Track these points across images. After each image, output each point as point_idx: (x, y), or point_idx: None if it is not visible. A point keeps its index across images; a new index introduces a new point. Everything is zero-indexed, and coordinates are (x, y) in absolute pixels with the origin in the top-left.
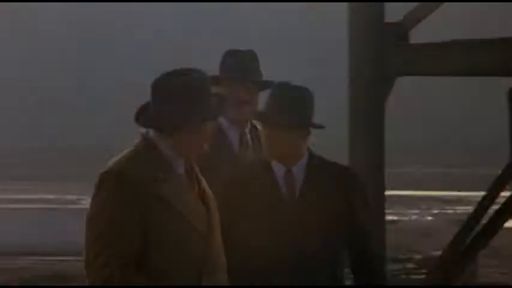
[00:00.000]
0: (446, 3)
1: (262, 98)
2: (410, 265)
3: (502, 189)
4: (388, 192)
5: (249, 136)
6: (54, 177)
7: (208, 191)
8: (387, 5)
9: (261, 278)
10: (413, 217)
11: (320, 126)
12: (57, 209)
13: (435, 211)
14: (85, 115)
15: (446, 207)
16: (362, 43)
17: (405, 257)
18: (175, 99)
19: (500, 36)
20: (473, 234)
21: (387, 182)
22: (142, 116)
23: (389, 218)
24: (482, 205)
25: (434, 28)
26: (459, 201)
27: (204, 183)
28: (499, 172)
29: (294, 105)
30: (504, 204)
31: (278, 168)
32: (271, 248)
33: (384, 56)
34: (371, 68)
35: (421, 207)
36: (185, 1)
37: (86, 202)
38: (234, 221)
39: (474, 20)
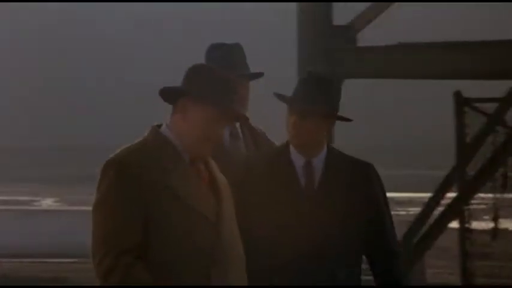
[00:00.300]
0: (394, 6)
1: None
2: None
3: (448, 190)
4: None
5: (239, 130)
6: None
7: (220, 178)
8: (336, 7)
9: (280, 274)
10: None
11: (348, 119)
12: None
13: None
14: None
15: (398, 209)
16: (311, 44)
17: None
18: (190, 77)
19: (451, 38)
20: (419, 235)
21: None
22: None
23: None
24: (429, 206)
25: (384, 31)
26: (411, 202)
27: (216, 170)
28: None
29: (328, 96)
30: (449, 205)
31: (297, 159)
32: (288, 241)
33: (332, 58)
34: (319, 70)
35: None
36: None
37: (39, 203)
38: (250, 213)
39: (425, 22)
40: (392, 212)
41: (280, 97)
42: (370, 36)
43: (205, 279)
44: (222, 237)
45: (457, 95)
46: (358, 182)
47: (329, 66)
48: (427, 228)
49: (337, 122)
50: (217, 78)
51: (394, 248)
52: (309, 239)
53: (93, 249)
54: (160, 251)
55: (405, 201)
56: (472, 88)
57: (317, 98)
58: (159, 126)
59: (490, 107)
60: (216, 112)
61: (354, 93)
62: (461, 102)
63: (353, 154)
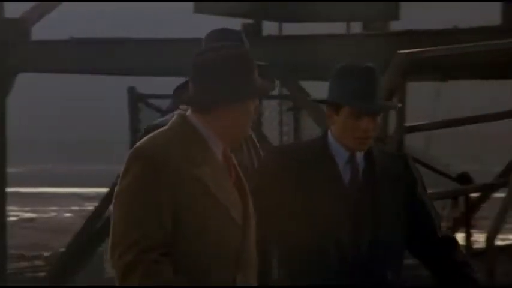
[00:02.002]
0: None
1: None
2: (38, 262)
3: None
4: (24, 189)
5: None
6: None
7: (243, 178)
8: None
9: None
10: (52, 214)
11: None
12: None
13: (74, 208)
14: None
15: (86, 204)
16: None
17: (35, 254)
18: (214, 75)
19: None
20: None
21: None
22: (181, 94)
23: (26, 215)
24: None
25: (60, 25)
26: (99, 197)
27: (239, 169)
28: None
29: (377, 87)
30: None
31: (339, 154)
32: (335, 247)
33: (5, 51)
34: None
35: (61, 204)
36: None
37: None
38: (280, 219)
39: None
40: (79, 208)
41: (344, 102)
42: (46, 30)
43: (230, 282)
44: (248, 242)
45: (131, 90)
46: (401, 174)
47: (1, 58)
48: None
49: None
50: (220, 68)
51: (448, 234)
52: (357, 242)
53: (113, 241)
54: (187, 249)
55: (93, 197)
56: (147, 85)
57: (377, 92)
58: (182, 113)
59: (163, 103)
60: (238, 105)
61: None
62: (135, 97)
63: None
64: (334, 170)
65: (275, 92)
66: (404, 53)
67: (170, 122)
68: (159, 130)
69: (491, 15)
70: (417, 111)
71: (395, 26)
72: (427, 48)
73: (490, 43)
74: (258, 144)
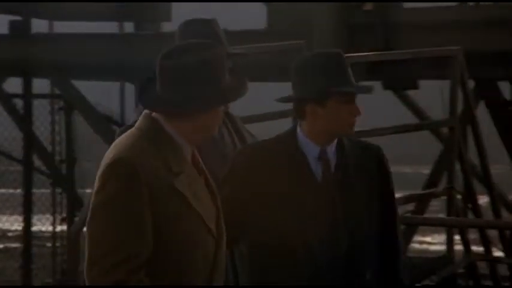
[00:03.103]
0: None
1: None
2: None
3: None
4: None
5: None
6: None
7: (212, 183)
8: None
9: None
10: None
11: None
12: None
13: None
14: None
15: None
16: None
17: None
18: (185, 81)
19: None
20: None
21: None
22: (145, 95)
23: None
24: None
25: None
26: None
27: (207, 173)
28: None
29: (350, 73)
30: None
31: (310, 149)
32: (308, 245)
33: None
34: None
35: None
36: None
37: None
38: (249, 216)
39: None
40: None
41: (341, 89)
42: None
43: None
44: (221, 252)
45: None
46: (371, 164)
47: None
48: None
49: None
50: (192, 73)
51: (398, 243)
52: (331, 240)
53: (93, 257)
54: (165, 260)
55: None
56: None
57: (351, 75)
58: (151, 116)
59: None
60: (211, 111)
61: None
62: None
63: None
64: (305, 166)
65: (47, 91)
66: None
67: (139, 123)
68: (131, 135)
69: (257, 18)
70: None
71: (168, 27)
72: None
73: (255, 46)
74: (240, 127)
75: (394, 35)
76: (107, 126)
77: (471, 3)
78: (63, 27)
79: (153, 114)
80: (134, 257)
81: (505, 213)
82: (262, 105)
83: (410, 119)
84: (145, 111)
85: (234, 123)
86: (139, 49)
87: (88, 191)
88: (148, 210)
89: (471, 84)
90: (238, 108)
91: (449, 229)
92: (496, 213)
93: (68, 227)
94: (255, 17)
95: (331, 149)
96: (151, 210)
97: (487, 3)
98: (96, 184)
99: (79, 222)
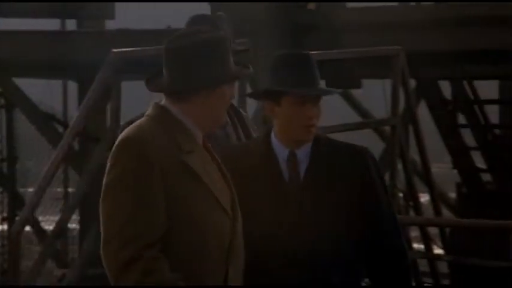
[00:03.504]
0: None
1: None
2: None
3: None
4: None
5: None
6: None
7: (224, 168)
8: None
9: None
10: None
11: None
12: None
13: None
14: None
15: None
16: None
17: None
18: (190, 62)
19: None
20: None
21: None
22: (152, 82)
23: None
24: None
25: None
26: None
27: (219, 159)
28: None
29: (316, 73)
30: None
31: (281, 151)
32: (272, 248)
33: None
34: None
35: None
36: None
37: None
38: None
39: None
40: None
41: (288, 90)
42: None
43: (222, 274)
44: (237, 232)
45: None
46: (352, 171)
47: None
48: None
49: None
50: (194, 53)
51: (393, 244)
52: (295, 243)
53: (107, 236)
54: (178, 240)
55: None
56: None
57: (317, 77)
58: (160, 104)
59: None
60: (215, 90)
61: None
62: None
63: None
64: (275, 169)
65: None
66: (118, 51)
67: (148, 112)
68: (140, 120)
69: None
70: (132, 109)
71: (110, 25)
72: (141, 48)
73: None
74: (248, 125)
75: (338, 34)
76: (49, 124)
77: (412, 4)
78: (4, 24)
79: (162, 102)
80: (147, 233)
81: (445, 211)
82: None
83: (353, 118)
84: (154, 102)
85: (241, 120)
86: (82, 47)
87: (30, 190)
88: (160, 189)
89: (412, 83)
90: None
91: None
92: (437, 211)
93: (9, 227)
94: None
95: (304, 151)
96: (164, 188)
97: (428, 3)
98: (107, 165)
99: (20, 222)
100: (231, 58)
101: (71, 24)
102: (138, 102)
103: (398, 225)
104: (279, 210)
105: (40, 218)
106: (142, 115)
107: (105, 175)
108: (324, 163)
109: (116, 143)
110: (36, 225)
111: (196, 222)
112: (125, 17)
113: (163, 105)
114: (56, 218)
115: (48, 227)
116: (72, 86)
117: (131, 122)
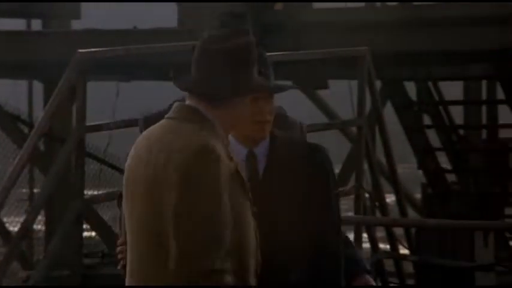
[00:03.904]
0: None
1: None
2: None
3: None
4: None
5: None
6: None
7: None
8: None
9: None
10: None
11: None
12: None
13: None
14: None
15: None
16: None
17: None
18: (228, 66)
19: None
20: None
21: None
22: (181, 80)
23: None
24: None
25: None
26: None
27: None
28: None
29: (270, 69)
30: None
31: (238, 151)
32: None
33: None
34: None
35: None
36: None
37: None
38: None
39: None
40: None
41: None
42: None
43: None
44: (258, 237)
45: None
46: (308, 169)
47: None
48: None
49: None
50: (238, 57)
51: (333, 246)
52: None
53: (198, 247)
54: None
55: None
56: None
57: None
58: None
59: None
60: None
61: None
62: None
63: None
64: (236, 169)
65: None
66: (84, 52)
67: (179, 113)
68: (179, 125)
69: (168, 17)
70: (98, 110)
71: (76, 25)
72: (106, 48)
73: (166, 45)
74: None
75: (304, 35)
76: (14, 125)
77: (378, 5)
78: None
79: (188, 103)
80: (225, 245)
81: (410, 212)
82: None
83: (320, 118)
84: (178, 102)
85: None
86: (47, 47)
87: None
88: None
89: (378, 84)
90: (162, 107)
91: (357, 227)
92: (402, 211)
93: None
94: (166, 15)
95: (262, 150)
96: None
97: (393, 3)
98: (177, 173)
99: None
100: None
101: (37, 24)
102: (104, 103)
103: (339, 228)
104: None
105: (5, 219)
106: (160, 113)
107: (177, 185)
108: (281, 161)
109: (188, 152)
110: (1, 226)
111: (243, 225)
112: (91, 17)
113: (195, 107)
114: (21, 219)
115: (13, 228)
116: (38, 87)
117: (149, 118)
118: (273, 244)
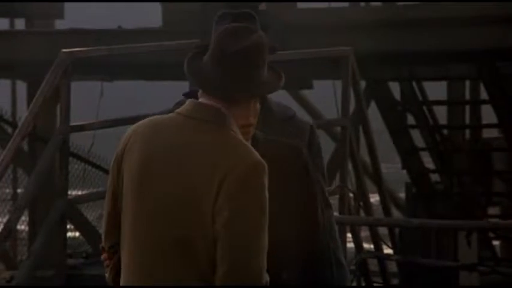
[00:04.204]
0: None
1: None
2: None
3: None
4: None
5: None
6: None
7: None
8: None
9: None
10: None
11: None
12: None
13: None
14: None
15: None
16: None
17: None
18: (250, 65)
19: None
20: None
21: None
22: (201, 80)
23: None
24: None
25: None
26: None
27: None
28: None
29: None
30: None
31: None
32: None
33: None
34: None
35: None
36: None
37: None
38: None
39: None
40: None
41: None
42: None
43: None
44: None
45: None
46: (290, 168)
47: None
48: None
49: None
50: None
51: (313, 241)
52: None
53: (259, 261)
54: None
55: None
56: None
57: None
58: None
59: None
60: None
61: None
62: None
63: None
64: None
65: None
66: (67, 51)
67: (196, 112)
68: (232, 136)
69: (152, 17)
70: (82, 110)
71: (60, 24)
72: (90, 48)
73: (151, 44)
74: None
75: (288, 35)
76: None
77: (362, 5)
78: None
79: (206, 102)
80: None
81: (394, 211)
82: (159, 104)
83: (304, 118)
84: (191, 100)
85: None
86: (31, 46)
87: None
88: None
89: (362, 84)
90: (146, 107)
91: (341, 227)
92: (386, 211)
93: None
94: (150, 15)
95: None
96: None
97: (377, 3)
98: (232, 185)
99: None
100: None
101: (20, 24)
102: (88, 103)
103: (325, 223)
104: None
105: None
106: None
107: (231, 197)
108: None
109: (248, 163)
110: None
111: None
112: (74, 17)
113: (218, 108)
114: (5, 219)
115: None
116: (21, 86)
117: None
118: None
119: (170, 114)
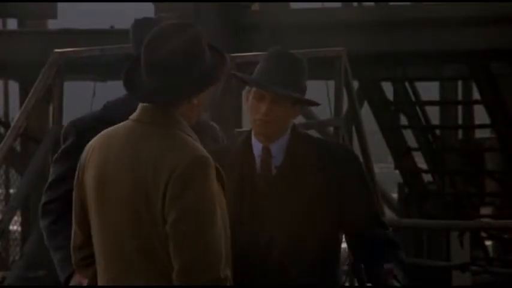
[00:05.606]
0: None
1: None
2: None
3: None
4: None
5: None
6: None
7: None
8: None
9: (235, 278)
10: None
11: (317, 104)
12: None
13: None
14: None
15: None
16: None
17: None
18: (179, 69)
19: None
20: None
21: None
22: (136, 88)
23: None
24: None
25: None
26: None
27: None
28: None
29: (300, 77)
30: None
31: (256, 147)
32: (242, 239)
33: None
34: None
35: None
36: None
37: None
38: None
39: None
40: None
41: (246, 78)
42: None
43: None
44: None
45: None
46: (324, 165)
47: None
48: None
49: None
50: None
51: (373, 230)
52: (257, 241)
53: (211, 258)
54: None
55: None
56: None
57: (290, 79)
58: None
59: None
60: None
61: None
62: None
63: None
64: (250, 165)
65: None
66: (60, 52)
67: (155, 118)
68: (146, 127)
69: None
70: (75, 110)
71: (53, 24)
72: (83, 48)
73: None
74: (221, 136)
75: (281, 35)
76: None
77: (355, 5)
78: None
79: (150, 105)
80: (223, 256)
81: (387, 211)
82: None
83: (297, 118)
84: (141, 104)
85: (213, 132)
86: (23, 46)
87: None
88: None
89: (355, 84)
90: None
91: None
92: None
93: None
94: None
95: (279, 146)
96: None
97: (369, 4)
98: (175, 185)
99: None
100: (208, 51)
101: (13, 24)
102: (81, 103)
103: (381, 220)
104: (245, 209)
105: None
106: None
107: (175, 198)
108: (298, 158)
109: (186, 162)
110: None
111: (226, 226)
112: (67, 17)
113: (171, 114)
114: None
115: None
116: (14, 86)
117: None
118: (278, 240)
119: (124, 122)
